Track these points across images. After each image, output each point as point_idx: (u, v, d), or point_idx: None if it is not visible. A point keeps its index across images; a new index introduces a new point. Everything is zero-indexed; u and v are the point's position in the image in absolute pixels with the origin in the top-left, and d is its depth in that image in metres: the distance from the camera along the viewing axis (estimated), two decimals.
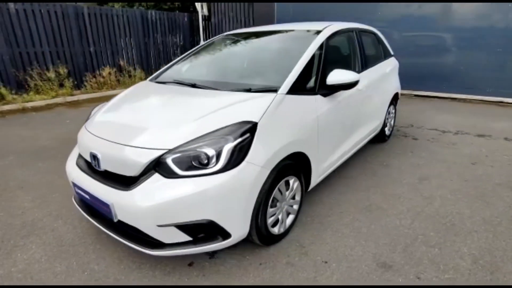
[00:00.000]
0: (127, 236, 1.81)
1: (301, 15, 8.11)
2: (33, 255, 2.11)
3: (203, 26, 9.92)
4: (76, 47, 7.71)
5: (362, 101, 3.02)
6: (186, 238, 1.72)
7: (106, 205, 1.77)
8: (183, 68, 2.89)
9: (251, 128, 1.79)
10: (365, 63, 3.18)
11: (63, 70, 7.38)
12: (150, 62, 9.40)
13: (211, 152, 1.67)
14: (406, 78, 7.14)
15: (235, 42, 3.03)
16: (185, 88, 2.38)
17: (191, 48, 3.45)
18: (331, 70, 2.39)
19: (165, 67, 3.00)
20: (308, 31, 2.71)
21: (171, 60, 8.09)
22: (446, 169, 3.31)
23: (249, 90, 2.12)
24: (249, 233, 1.93)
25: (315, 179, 2.46)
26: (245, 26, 9.33)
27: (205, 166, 1.68)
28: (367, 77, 3.11)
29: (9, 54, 6.67)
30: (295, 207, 2.30)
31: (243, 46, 2.94)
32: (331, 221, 2.43)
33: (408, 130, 4.67)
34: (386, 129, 4.06)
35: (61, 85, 7.32)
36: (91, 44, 7.99)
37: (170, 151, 1.69)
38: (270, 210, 1.99)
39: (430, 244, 2.14)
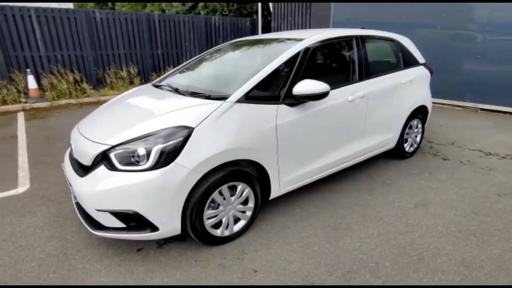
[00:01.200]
0: (83, 215, 2.13)
1: (359, 16, 7.72)
2: (35, 220, 2.62)
3: (262, 30, 10.22)
4: (146, 50, 8.79)
5: (355, 113, 2.84)
6: (121, 224, 1.95)
7: (70, 187, 2.12)
8: (182, 72, 3.15)
9: (185, 133, 1.93)
10: (367, 73, 2.96)
11: (133, 70, 8.52)
12: None
13: (142, 151, 1.87)
14: (474, 88, 6.22)
15: (233, 49, 3.17)
16: (164, 92, 2.63)
17: None
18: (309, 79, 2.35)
19: (171, 71, 3.31)
20: (295, 39, 2.68)
21: None
22: (458, 197, 2.86)
23: (208, 97, 2.24)
24: (186, 231, 2.07)
25: (276, 190, 2.44)
26: (302, 29, 9.28)
27: (139, 163, 1.88)
28: (366, 87, 2.90)
29: (93, 56, 8.01)
30: (248, 213, 2.34)
31: (235, 54, 3.05)
32: (288, 233, 2.38)
33: (444, 148, 4.11)
34: (406, 145, 3.67)
35: (131, 83, 8.46)
36: (159, 47, 9.01)
37: (113, 147, 1.95)
38: (208, 212, 2.09)
39: (377, 275, 1.95)
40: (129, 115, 2.29)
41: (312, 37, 2.62)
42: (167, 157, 1.87)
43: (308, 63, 2.52)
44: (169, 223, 1.96)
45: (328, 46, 2.77)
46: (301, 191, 2.97)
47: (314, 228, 2.45)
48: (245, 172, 2.19)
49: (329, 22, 8.36)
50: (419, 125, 3.77)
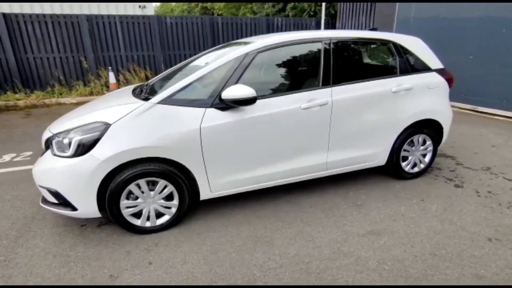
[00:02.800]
0: None
1: (427, 13, 6.75)
2: (26, 188, 3.24)
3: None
4: None
5: (313, 122, 2.60)
6: (55, 200, 2.32)
7: None
8: (166, 75, 3.39)
9: (103, 128, 2.16)
10: (336, 79, 2.67)
11: None
12: None
13: (66, 141, 2.18)
14: None
15: (209, 52, 3.25)
16: (127, 93, 2.86)
17: None
18: (252, 83, 2.35)
19: (158, 76, 3.59)
20: (250, 43, 2.63)
21: None
22: (430, 233, 2.36)
23: (146, 98, 2.43)
24: (107, 215, 2.32)
25: (206, 192, 2.48)
26: (365, 28, 8.61)
27: (65, 151, 2.21)
28: (330, 95, 2.63)
29: (162, 56, 9.09)
30: (173, 210, 2.44)
31: (206, 57, 3.12)
32: (209, 236, 2.40)
33: (470, 173, 3.35)
34: (406, 164, 3.16)
35: None
36: None
37: (54, 135, 2.32)
38: (125, 201, 2.28)
39: None
40: (83, 110, 2.65)
41: (260, 41, 2.53)
42: (83, 148, 2.14)
43: (251, 68, 2.46)
44: (85, 205, 2.23)
45: (282, 50, 2.61)
46: (256, 196, 2.91)
47: (237, 236, 2.39)
48: (166, 170, 2.30)
49: (393, 21, 7.54)
50: (428, 142, 3.18)
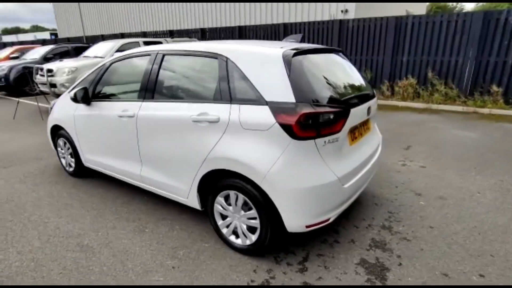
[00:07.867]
0: None
1: None
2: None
3: None
4: (387, 55, 8.21)
5: (124, 130, 2.72)
6: None
7: None
8: None
9: (55, 102, 3.68)
10: (148, 94, 2.52)
11: (367, 75, 8.49)
12: (475, 79, 7.19)
13: None
14: None
15: None
16: None
17: None
18: (106, 87, 3.05)
19: None
20: None
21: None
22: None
23: None
24: None
25: (83, 160, 3.39)
26: None
27: None
28: (135, 108, 2.59)
29: None
30: (73, 164, 3.60)
31: None
32: (61, 195, 3.36)
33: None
34: (224, 224, 2.27)
35: None
36: (405, 54, 7.99)
37: None
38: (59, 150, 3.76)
39: None
40: None
41: (117, 54, 2.90)
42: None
43: (107, 75, 2.98)
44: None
45: (127, 62, 2.83)
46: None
47: (68, 208, 3.17)
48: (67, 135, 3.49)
49: None
50: (251, 211, 2.03)
